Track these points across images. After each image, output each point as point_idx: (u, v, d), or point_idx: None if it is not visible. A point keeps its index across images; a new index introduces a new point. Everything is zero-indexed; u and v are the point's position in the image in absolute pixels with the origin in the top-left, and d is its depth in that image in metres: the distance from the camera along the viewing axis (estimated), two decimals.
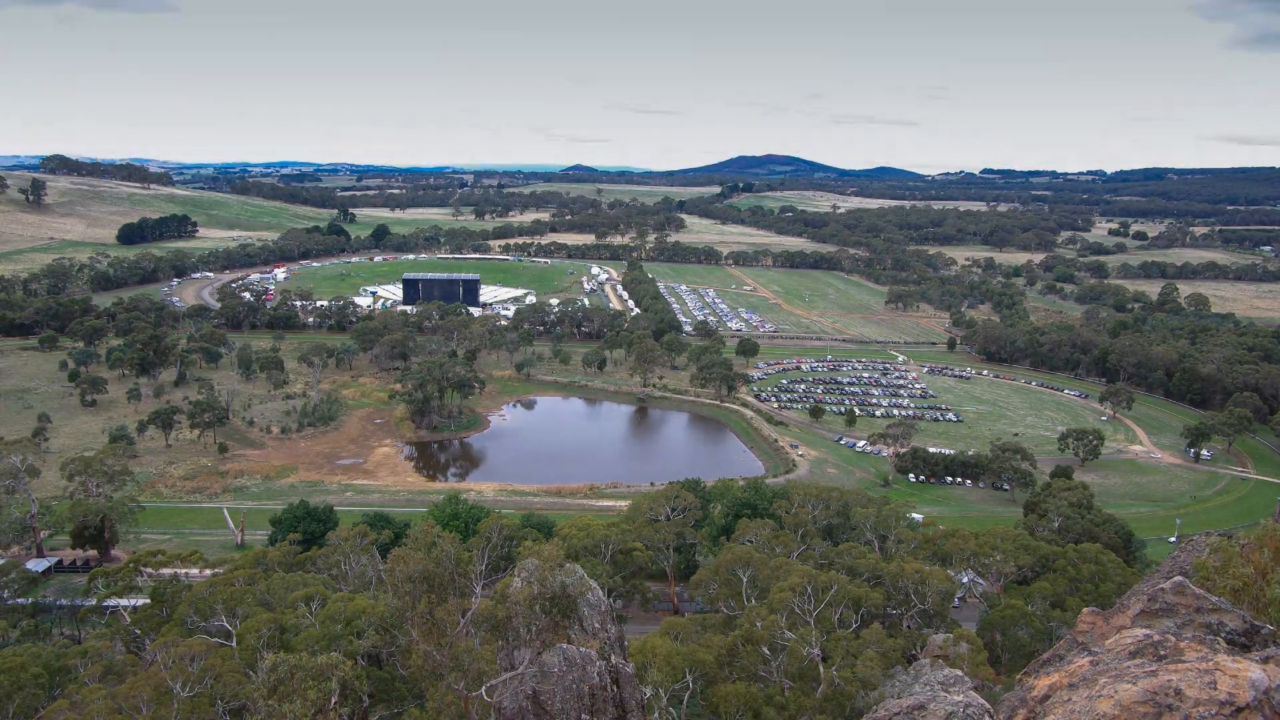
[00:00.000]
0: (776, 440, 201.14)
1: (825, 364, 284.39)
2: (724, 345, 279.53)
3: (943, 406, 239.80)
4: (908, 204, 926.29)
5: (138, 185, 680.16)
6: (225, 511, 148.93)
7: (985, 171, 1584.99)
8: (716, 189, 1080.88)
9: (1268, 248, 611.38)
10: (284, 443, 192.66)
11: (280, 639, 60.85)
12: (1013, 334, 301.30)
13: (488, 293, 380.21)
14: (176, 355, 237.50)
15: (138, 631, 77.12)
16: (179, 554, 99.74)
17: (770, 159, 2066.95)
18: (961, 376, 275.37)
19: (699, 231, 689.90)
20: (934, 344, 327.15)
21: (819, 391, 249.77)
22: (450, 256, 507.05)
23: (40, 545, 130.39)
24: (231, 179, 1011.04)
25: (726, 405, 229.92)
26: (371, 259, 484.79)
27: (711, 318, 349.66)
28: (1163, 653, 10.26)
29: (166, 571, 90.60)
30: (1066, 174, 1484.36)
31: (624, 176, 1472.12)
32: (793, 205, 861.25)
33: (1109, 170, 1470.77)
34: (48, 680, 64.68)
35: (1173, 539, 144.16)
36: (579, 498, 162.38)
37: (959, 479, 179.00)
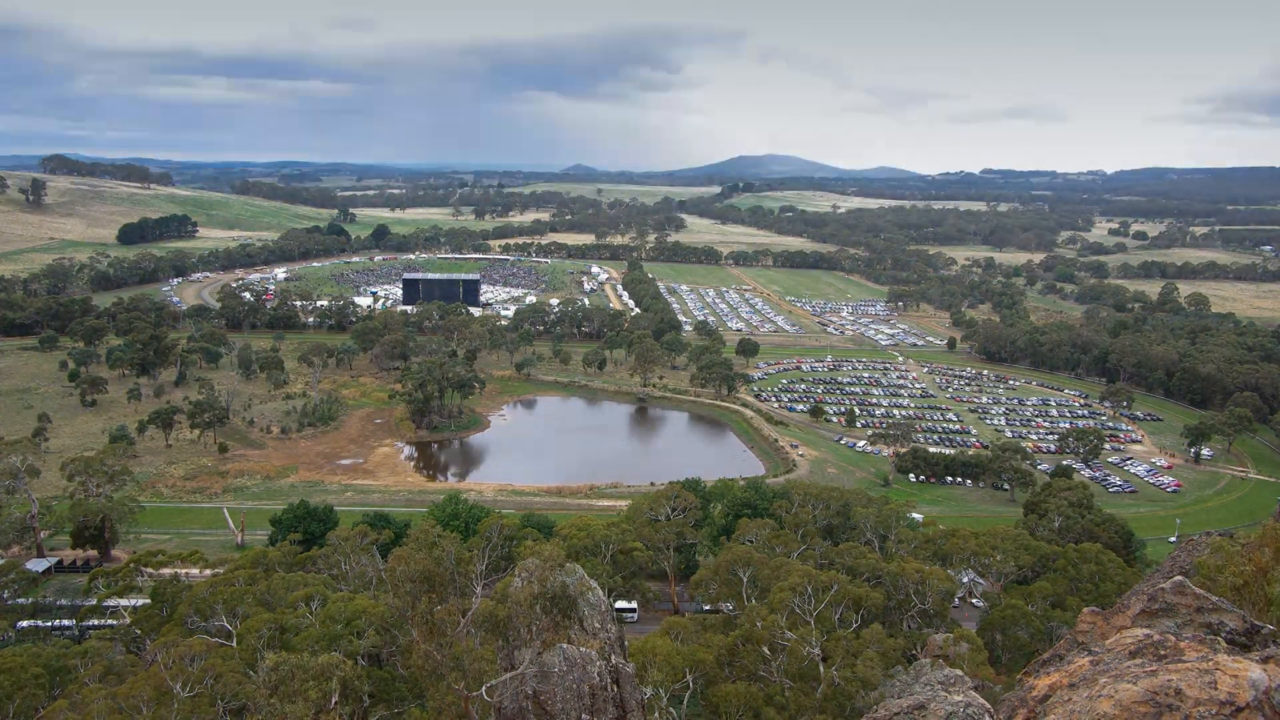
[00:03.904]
0: (776, 440, 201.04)
1: (825, 364, 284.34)
2: (724, 345, 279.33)
3: (943, 406, 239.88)
4: (908, 204, 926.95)
5: (138, 185, 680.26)
6: (225, 511, 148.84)
7: (985, 171, 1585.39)
8: (716, 189, 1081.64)
9: (1268, 248, 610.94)
10: (284, 443, 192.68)
11: (280, 639, 60.88)
12: (1013, 334, 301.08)
13: (488, 293, 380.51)
14: (176, 355, 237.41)
15: (138, 631, 77.15)
16: (179, 554, 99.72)
17: (770, 159, 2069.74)
18: (962, 376, 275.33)
19: (699, 231, 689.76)
20: (924, 344, 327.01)
21: (819, 391, 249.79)
22: (450, 256, 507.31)
23: (40, 545, 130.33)
24: (231, 179, 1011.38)
25: (726, 405, 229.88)
26: (372, 259, 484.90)
27: (711, 318, 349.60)
28: (1163, 653, 10.28)
29: (167, 571, 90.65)
30: (1066, 174, 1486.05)
31: (624, 176, 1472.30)
32: (793, 205, 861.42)
33: (1109, 170, 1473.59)
34: (48, 680, 64.71)
35: (1173, 539, 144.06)
36: (579, 498, 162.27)
37: (959, 479, 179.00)
